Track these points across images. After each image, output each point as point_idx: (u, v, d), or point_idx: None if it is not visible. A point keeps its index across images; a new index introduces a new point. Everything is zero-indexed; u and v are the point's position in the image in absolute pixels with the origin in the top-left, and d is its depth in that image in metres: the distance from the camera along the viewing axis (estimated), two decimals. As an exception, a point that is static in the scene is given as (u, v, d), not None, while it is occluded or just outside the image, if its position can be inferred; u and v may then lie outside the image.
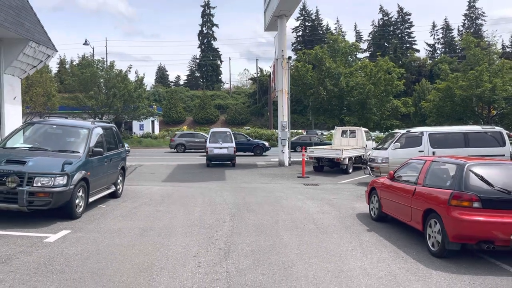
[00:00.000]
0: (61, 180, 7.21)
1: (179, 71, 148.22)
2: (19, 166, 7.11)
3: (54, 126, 8.98)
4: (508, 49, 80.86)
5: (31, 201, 6.98)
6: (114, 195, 10.20)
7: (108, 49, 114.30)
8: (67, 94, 44.08)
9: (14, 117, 13.71)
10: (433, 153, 14.19)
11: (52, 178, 7.13)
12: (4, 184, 6.92)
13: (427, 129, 15.67)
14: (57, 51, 14.86)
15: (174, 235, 6.98)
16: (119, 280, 4.83)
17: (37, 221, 7.43)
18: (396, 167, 8.62)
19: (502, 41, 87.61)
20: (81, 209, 7.94)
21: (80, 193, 7.84)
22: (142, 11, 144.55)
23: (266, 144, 30.48)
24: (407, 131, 15.92)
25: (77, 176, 7.62)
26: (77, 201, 7.70)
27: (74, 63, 45.75)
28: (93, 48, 55.42)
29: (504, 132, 15.82)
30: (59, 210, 7.55)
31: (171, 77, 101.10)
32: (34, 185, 7.01)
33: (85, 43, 50.86)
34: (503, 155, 14.54)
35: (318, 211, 9.45)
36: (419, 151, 14.38)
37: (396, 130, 17.74)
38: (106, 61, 43.72)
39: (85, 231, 7.01)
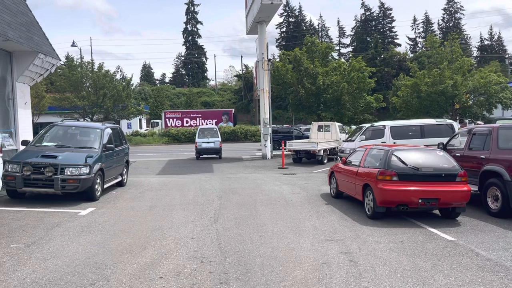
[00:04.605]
0: (85, 170, 9.25)
1: (164, 68, 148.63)
2: (53, 159, 9.15)
3: (73, 128, 11.01)
4: (486, 42, 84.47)
5: (63, 186, 9.03)
6: (120, 184, 12.25)
7: (89, 47, 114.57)
8: (58, 95, 45.41)
9: (25, 120, 15.55)
10: (394, 143, 16.46)
11: (78, 168, 9.17)
12: (43, 173, 8.96)
13: (388, 123, 18.00)
14: (60, 60, 16.72)
15: (175, 209, 9.09)
16: (141, 234, 6.93)
17: (67, 202, 9.47)
18: (348, 154, 10.84)
19: (480, 33, 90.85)
20: (99, 193, 10.00)
21: (98, 180, 9.90)
22: (120, 9, 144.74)
23: None
24: (371, 125, 18.24)
25: (96, 167, 9.67)
26: (96, 186, 9.76)
27: (59, 63, 46.64)
28: (80, 50, 56.64)
29: (455, 124, 18.26)
30: (83, 194, 9.58)
31: (157, 75, 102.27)
32: (65, 173, 9.03)
33: (73, 45, 52.21)
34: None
35: (290, 193, 11.62)
36: (382, 142, 16.61)
37: (363, 124, 20.01)
38: (92, 60, 45.14)
39: (106, 208, 9.09)
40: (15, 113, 14.98)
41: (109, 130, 11.27)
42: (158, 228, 7.38)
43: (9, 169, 8.91)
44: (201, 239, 6.72)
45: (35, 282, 4.80)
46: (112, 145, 10.76)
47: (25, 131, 15.16)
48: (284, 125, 43.44)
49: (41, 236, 6.70)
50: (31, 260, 5.53)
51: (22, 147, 10.82)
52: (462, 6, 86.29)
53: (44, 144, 10.33)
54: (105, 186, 10.58)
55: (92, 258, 5.64)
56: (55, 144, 10.31)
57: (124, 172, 12.48)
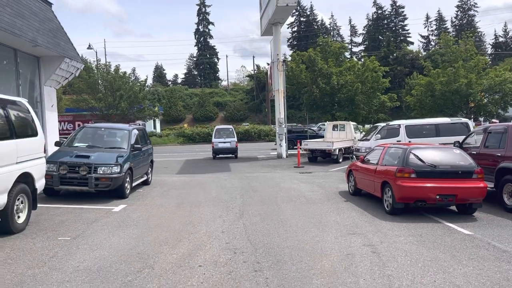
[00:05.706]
0: (116, 169, 9.79)
1: (176, 69, 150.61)
2: (86, 159, 9.70)
3: (102, 129, 11.58)
4: (501, 39, 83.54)
5: (97, 184, 9.58)
6: (145, 183, 12.80)
7: (101, 49, 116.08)
8: (75, 96, 46.36)
9: (52, 122, 16.20)
10: (409, 142, 16.70)
11: (110, 167, 9.71)
12: (78, 172, 9.53)
13: (404, 122, 18.25)
14: (84, 64, 17.34)
15: (202, 206, 9.56)
16: (174, 228, 7.42)
17: (99, 199, 10.03)
18: (366, 153, 11.19)
19: (494, 30, 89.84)
20: (128, 191, 10.54)
21: (128, 179, 10.43)
22: (130, 11, 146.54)
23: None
24: (386, 124, 18.51)
25: (126, 166, 10.21)
26: (126, 184, 10.29)
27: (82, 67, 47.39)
28: (96, 52, 57.75)
29: (470, 122, 18.42)
30: (113, 192, 10.11)
31: (169, 76, 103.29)
32: (98, 172, 9.58)
33: (89, 48, 53.26)
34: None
35: (309, 190, 12.01)
36: (397, 141, 16.86)
37: (378, 123, 20.28)
38: (109, 62, 46.09)
39: (136, 205, 9.61)
40: (42, 115, 15.62)
41: (136, 131, 11.82)
42: (189, 223, 7.85)
43: (46, 168, 9.46)
44: (231, 232, 7.17)
45: (88, 269, 5.29)
46: (139, 145, 11.31)
47: (52, 133, 15.79)
48: (298, 125, 43.81)
49: (83, 230, 7.22)
50: (79, 251, 6.04)
51: (51, 148, 11.41)
52: (475, 3, 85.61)
53: (76, 144, 10.90)
54: (134, 184, 11.12)
55: (134, 249, 6.13)
56: (86, 144, 10.89)
57: (149, 171, 13.03)
